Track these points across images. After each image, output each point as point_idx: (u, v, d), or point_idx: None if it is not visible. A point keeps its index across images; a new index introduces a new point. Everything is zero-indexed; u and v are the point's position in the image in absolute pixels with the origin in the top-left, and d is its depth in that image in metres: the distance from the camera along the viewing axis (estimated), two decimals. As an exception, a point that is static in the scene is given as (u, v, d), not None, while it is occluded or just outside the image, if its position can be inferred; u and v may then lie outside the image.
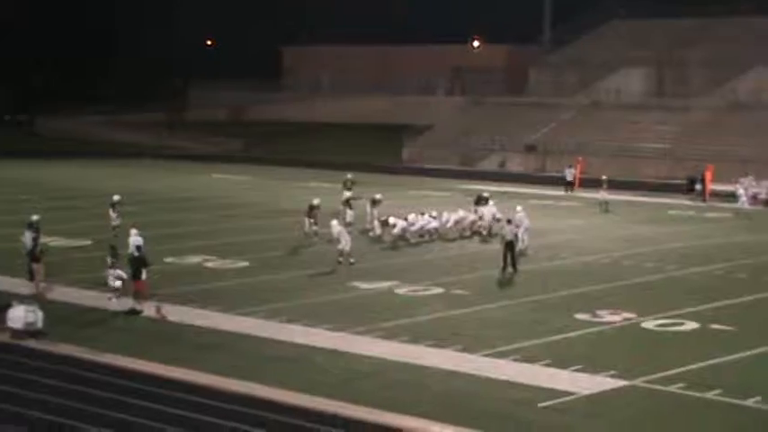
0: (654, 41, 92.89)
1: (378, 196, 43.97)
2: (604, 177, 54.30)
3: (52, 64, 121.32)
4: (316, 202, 40.69)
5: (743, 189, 53.26)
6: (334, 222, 35.98)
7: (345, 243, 34.85)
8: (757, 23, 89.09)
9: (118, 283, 28.45)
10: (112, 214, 40.74)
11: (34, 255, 30.31)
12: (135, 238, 31.40)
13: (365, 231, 41.46)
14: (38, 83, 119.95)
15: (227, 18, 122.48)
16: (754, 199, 57.11)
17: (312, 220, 39.58)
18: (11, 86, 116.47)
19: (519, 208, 39.25)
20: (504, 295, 30.62)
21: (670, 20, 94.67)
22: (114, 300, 28.19)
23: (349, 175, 51.27)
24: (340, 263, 34.68)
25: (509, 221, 35.61)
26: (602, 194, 52.58)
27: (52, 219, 42.45)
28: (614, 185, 54.51)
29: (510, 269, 33.88)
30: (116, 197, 41.78)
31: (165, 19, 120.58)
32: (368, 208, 43.05)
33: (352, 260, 34.84)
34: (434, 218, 41.05)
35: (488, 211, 42.29)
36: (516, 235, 35.19)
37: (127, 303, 28.01)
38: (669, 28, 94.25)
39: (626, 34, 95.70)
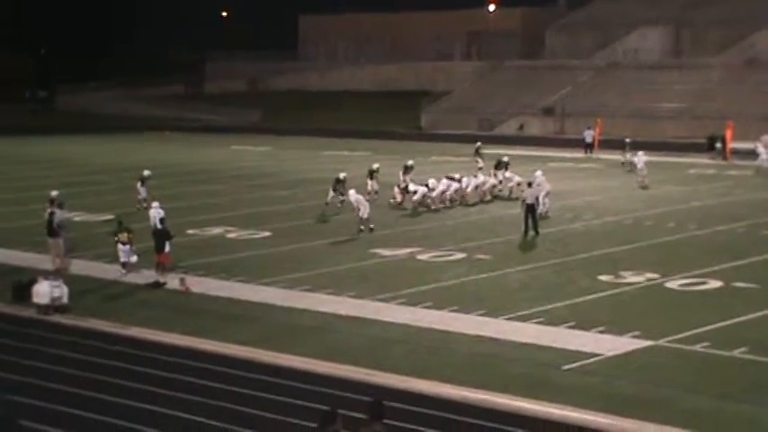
0: (670, 0, 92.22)
1: (410, 162, 43.95)
2: (628, 140, 54.27)
3: (68, 39, 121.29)
4: (342, 175, 40.76)
5: (762, 146, 52.96)
6: (352, 191, 36.12)
7: (364, 210, 34.96)
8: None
9: (133, 259, 28.65)
10: (140, 188, 40.82)
11: (51, 229, 30.37)
12: (156, 211, 31.55)
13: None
14: (54, 57, 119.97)
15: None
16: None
17: (336, 192, 39.66)
18: (29, 57, 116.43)
19: (538, 172, 39.17)
20: (526, 259, 30.63)
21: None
22: (127, 275, 28.45)
23: (478, 143, 53.24)
24: (361, 230, 34.79)
25: (529, 184, 35.58)
26: (627, 156, 52.59)
27: (75, 194, 42.67)
28: (634, 146, 54.27)
29: (531, 232, 33.89)
30: (146, 172, 41.88)
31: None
32: (400, 175, 42.83)
33: (371, 226, 34.95)
34: (454, 179, 40.91)
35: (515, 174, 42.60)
36: (537, 198, 35.14)
37: (142, 277, 28.22)
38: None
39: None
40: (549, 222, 36.13)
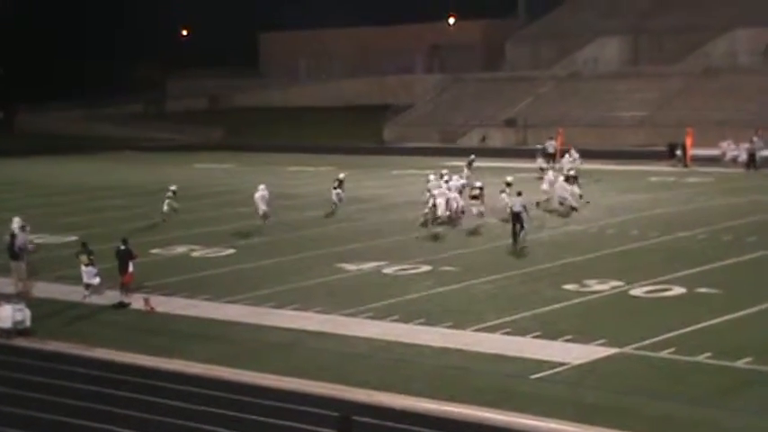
0: (627, 9, 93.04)
1: (444, 171, 43.24)
2: (538, 146, 56.17)
3: (27, 58, 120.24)
4: (342, 176, 44.03)
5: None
6: (262, 186, 40.03)
7: (263, 209, 39.46)
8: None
9: (96, 281, 28.38)
10: (167, 204, 41.97)
11: (13, 252, 30.06)
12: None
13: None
14: (12, 77, 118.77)
15: (202, 7, 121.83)
16: (733, 162, 57.54)
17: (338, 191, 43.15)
18: None
19: (561, 177, 42.53)
20: (491, 270, 30.66)
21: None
22: (91, 296, 28.17)
23: (472, 156, 53.63)
24: (265, 225, 39.06)
25: (519, 194, 35.78)
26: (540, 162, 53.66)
27: (36, 216, 42.26)
28: (595, 155, 54.68)
29: (513, 240, 34.23)
30: (173, 187, 43.04)
31: (139, 10, 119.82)
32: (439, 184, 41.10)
33: (262, 222, 39.12)
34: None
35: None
36: (524, 206, 35.28)
37: (106, 298, 28.00)
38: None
39: (600, 4, 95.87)
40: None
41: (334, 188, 43.29)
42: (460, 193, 40.78)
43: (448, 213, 38.94)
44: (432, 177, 41.64)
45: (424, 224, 38.61)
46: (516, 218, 34.48)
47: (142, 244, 33.61)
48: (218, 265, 33.00)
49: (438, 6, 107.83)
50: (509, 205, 35.57)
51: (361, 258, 32.77)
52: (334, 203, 43.03)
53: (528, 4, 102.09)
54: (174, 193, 42.70)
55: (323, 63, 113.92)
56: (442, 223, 38.49)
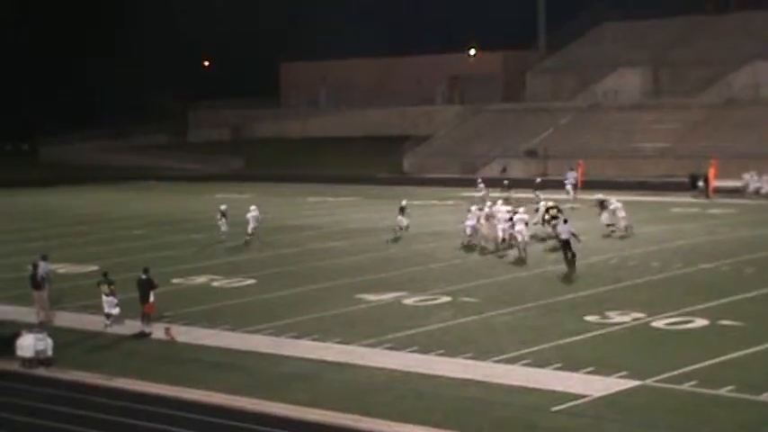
0: (648, 41, 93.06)
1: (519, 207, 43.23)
2: (539, 180, 57.07)
3: (52, 90, 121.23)
4: (404, 203, 45.19)
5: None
6: (253, 207, 43.75)
7: (253, 226, 43.18)
8: (750, 19, 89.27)
9: (116, 311, 28.46)
10: (220, 222, 44.32)
11: (35, 282, 30.22)
12: None
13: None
14: (35, 109, 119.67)
15: (223, 38, 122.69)
16: (756, 193, 57.33)
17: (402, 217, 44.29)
18: (6, 112, 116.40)
19: (614, 200, 44.12)
20: (512, 301, 30.59)
21: (663, 19, 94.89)
22: (112, 326, 28.23)
23: (538, 179, 56.20)
24: (247, 241, 42.93)
25: (565, 221, 36.26)
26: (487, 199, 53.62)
27: (59, 245, 42.51)
28: (616, 186, 54.52)
29: (567, 267, 34.72)
30: (223, 206, 45.13)
31: (161, 42, 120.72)
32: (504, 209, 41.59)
33: (247, 239, 42.92)
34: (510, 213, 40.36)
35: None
36: (573, 234, 35.42)
37: (127, 328, 28.07)
38: (663, 27, 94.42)
39: (621, 35, 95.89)
40: (533, 264, 36.21)
41: (399, 215, 44.30)
42: (511, 219, 39.82)
43: (526, 239, 38.66)
44: (473, 208, 41.94)
45: (497, 251, 39.44)
46: (566, 245, 34.89)
47: (164, 273, 33.73)
48: (239, 295, 33.04)
49: (458, 37, 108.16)
50: (558, 233, 36.19)
51: (381, 289, 32.75)
52: (399, 229, 43.97)
53: (548, 35, 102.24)
54: (223, 213, 44.33)
55: (343, 93, 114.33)
56: (525, 247, 38.46)
